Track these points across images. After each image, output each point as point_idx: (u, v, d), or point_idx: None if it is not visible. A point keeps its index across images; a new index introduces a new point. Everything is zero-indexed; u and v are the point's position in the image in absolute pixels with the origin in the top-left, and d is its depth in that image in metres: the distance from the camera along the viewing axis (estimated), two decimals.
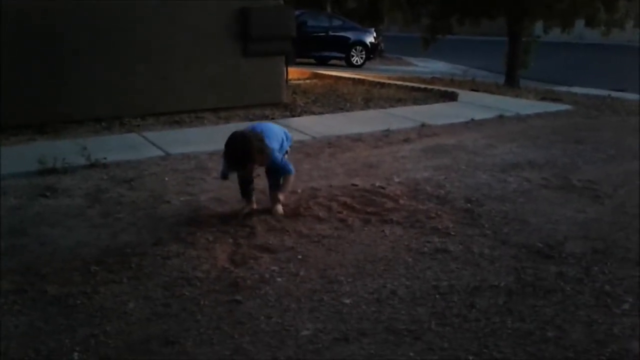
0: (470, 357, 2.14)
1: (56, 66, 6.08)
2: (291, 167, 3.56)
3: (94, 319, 2.38)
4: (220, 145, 3.40)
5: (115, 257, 2.93)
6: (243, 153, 3.21)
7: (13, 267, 2.84)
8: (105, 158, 4.65)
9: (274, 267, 2.85)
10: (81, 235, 3.24)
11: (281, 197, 3.56)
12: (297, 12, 11.45)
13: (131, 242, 3.11)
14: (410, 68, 19.09)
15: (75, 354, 2.14)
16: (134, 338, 2.24)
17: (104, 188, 4.04)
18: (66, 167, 4.46)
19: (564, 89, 11.07)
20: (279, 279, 2.74)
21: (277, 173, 3.55)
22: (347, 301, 2.54)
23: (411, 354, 2.16)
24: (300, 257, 2.98)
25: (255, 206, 3.61)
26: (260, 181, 3.79)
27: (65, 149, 4.93)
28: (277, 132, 3.64)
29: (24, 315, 2.41)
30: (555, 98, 8.90)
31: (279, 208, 3.56)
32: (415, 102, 8.16)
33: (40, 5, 5.92)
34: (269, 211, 3.54)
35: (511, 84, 11.39)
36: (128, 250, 3.00)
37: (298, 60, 13.99)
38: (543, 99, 8.86)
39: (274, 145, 3.46)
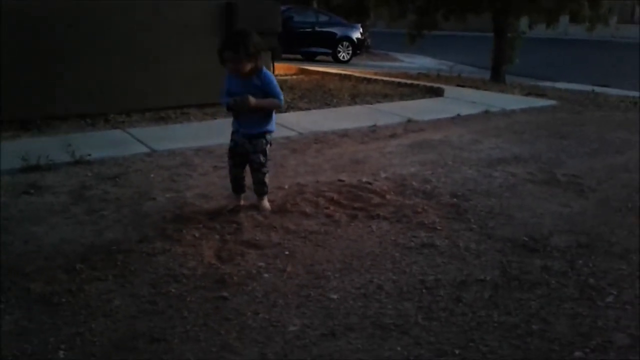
0: (457, 351, 2.15)
1: (39, 62, 5.99)
2: (282, 98, 3.41)
3: (79, 317, 2.35)
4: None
5: (100, 255, 2.90)
6: (241, 34, 3.19)
7: None
8: (89, 155, 4.60)
9: (260, 263, 2.85)
10: (65, 233, 3.20)
11: (264, 202, 3.55)
12: (283, 8, 11.41)
13: (116, 239, 3.08)
14: (397, 64, 19.13)
15: (61, 352, 2.12)
16: (119, 336, 2.22)
17: (89, 185, 4.01)
18: (50, 164, 4.41)
19: (548, 84, 11.17)
20: (266, 275, 2.73)
21: (258, 160, 3.45)
22: (334, 296, 2.54)
23: (398, 348, 2.17)
24: (287, 252, 2.98)
25: (242, 202, 3.58)
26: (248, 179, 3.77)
27: (49, 146, 4.88)
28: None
29: (8, 314, 2.38)
30: (541, 93, 8.98)
31: (266, 203, 3.55)
32: (402, 97, 8.18)
33: (21, 2, 5.83)
34: (256, 207, 3.53)
35: (497, 79, 11.45)
36: (113, 248, 2.97)
37: (285, 56, 13.96)
38: (528, 94, 8.94)
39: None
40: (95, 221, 3.37)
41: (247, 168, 3.55)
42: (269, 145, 3.49)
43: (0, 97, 5.76)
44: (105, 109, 6.32)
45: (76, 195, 3.82)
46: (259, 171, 3.48)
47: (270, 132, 3.46)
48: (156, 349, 2.14)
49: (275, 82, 3.35)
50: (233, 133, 3.49)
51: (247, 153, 3.44)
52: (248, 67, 3.18)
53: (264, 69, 3.30)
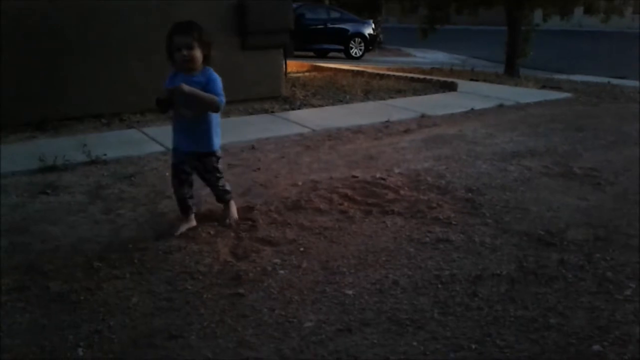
0: (474, 346, 2.15)
1: (54, 63, 6.06)
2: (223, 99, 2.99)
3: (98, 314, 2.38)
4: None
5: (117, 253, 2.93)
6: (193, 22, 2.95)
7: (15, 264, 2.84)
8: (105, 154, 4.65)
9: (276, 260, 2.86)
10: (83, 232, 3.24)
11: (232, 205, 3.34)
12: (295, 5, 11.42)
13: (133, 238, 3.11)
14: (410, 59, 19.04)
15: (80, 349, 2.15)
16: (138, 332, 2.24)
17: (105, 184, 4.05)
18: (66, 164, 4.46)
19: (563, 77, 11.05)
20: (281, 272, 2.74)
21: (214, 177, 3.20)
22: (350, 292, 2.55)
23: (414, 343, 2.17)
24: (302, 249, 2.98)
25: (195, 224, 3.22)
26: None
27: (65, 146, 4.93)
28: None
29: (28, 312, 2.41)
30: (555, 86, 8.89)
31: (233, 210, 3.33)
32: (415, 92, 8.15)
33: (37, 3, 5.90)
34: (222, 217, 3.31)
35: (511, 73, 11.35)
36: (130, 246, 3.00)
37: (297, 53, 13.96)
38: (543, 87, 8.86)
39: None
40: (112, 220, 3.40)
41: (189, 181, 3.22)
42: (219, 160, 3.21)
43: (16, 98, 5.84)
44: (119, 108, 6.37)
45: (93, 194, 3.86)
46: (216, 186, 3.24)
47: (217, 151, 3.16)
48: (174, 346, 2.16)
49: (220, 82, 2.98)
50: (175, 150, 3.14)
51: (194, 171, 3.17)
52: (199, 57, 2.90)
53: (211, 68, 3.00)
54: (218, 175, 3.20)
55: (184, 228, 3.15)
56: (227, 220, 3.25)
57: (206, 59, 2.95)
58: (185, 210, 3.20)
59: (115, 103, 6.37)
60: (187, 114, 2.99)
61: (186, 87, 2.82)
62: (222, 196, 3.28)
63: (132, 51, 6.43)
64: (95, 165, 4.51)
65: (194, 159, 3.11)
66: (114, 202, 3.71)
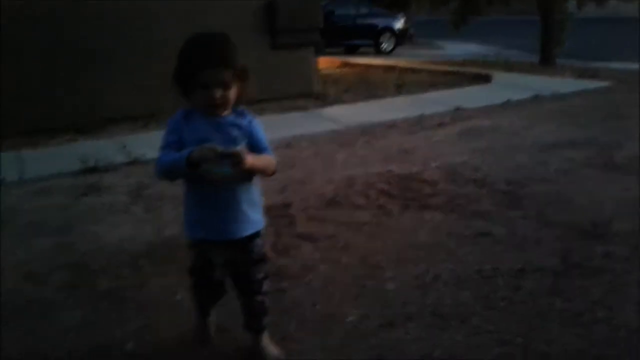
0: (518, 339, 2.12)
1: (91, 68, 6.22)
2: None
3: (144, 311, 2.44)
4: None
5: (161, 251, 3.00)
6: (225, 39, 1.86)
7: (64, 263, 2.93)
8: (144, 155, 4.74)
9: (316, 256, 2.88)
10: (126, 231, 3.32)
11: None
12: (324, 2, 11.41)
13: (175, 236, 3.16)
14: (442, 52, 18.81)
15: (129, 344, 2.21)
16: (184, 328, 2.29)
17: (146, 184, 4.13)
18: (107, 165, 4.57)
19: (601, 65, 10.76)
20: (321, 267, 2.76)
21: (260, 276, 2.02)
22: (391, 287, 2.55)
23: (458, 337, 2.16)
24: (341, 244, 2.99)
25: (212, 333, 2.20)
26: None
27: (105, 148, 5.04)
28: None
29: (78, 309, 2.49)
30: (593, 75, 8.66)
31: (270, 345, 2.10)
32: (448, 85, 8.07)
33: (72, 7, 6.05)
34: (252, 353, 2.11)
35: (546, 62, 11.10)
36: (173, 244, 3.06)
37: (327, 49, 13.95)
38: (580, 76, 8.64)
39: None
40: (154, 219, 3.47)
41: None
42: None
43: (55, 103, 6.01)
44: (155, 110, 6.47)
45: (134, 194, 3.94)
46: (258, 293, 2.04)
47: (262, 223, 2.01)
48: (221, 339, 2.19)
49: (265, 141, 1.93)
50: (199, 243, 1.98)
51: (243, 273, 2.01)
52: (233, 95, 1.84)
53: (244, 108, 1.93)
54: (265, 273, 2.05)
55: (201, 335, 2.19)
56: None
57: (239, 99, 1.87)
58: (207, 312, 2.18)
59: (150, 105, 6.47)
60: (225, 181, 1.82)
61: (249, 157, 1.74)
62: (260, 317, 2.07)
63: (166, 53, 6.52)
64: (135, 166, 4.60)
65: (230, 251, 1.95)
66: (155, 201, 3.78)
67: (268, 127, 1.62)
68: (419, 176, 3.98)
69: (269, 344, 2.09)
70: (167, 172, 1.82)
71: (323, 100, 7.32)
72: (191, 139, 1.78)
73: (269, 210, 3.42)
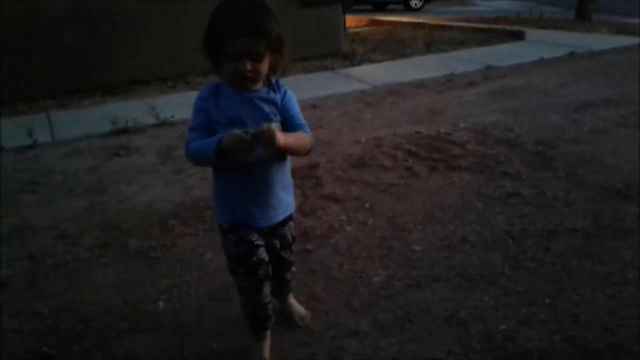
0: (547, 300, 2.11)
1: (120, 30, 6.23)
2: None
3: (175, 270, 2.50)
4: None
5: (190, 211, 3.04)
6: (261, 8, 1.66)
7: (96, 223, 3.00)
8: (173, 116, 4.77)
9: (342, 217, 2.88)
10: (156, 192, 3.37)
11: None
12: None
13: (204, 197, 3.21)
14: (473, 8, 18.27)
15: (160, 302, 2.27)
16: (213, 287, 2.34)
17: (175, 145, 4.17)
18: (137, 126, 4.62)
19: (638, 21, 10.32)
20: (348, 228, 2.77)
21: (291, 253, 2.01)
22: (418, 248, 2.54)
23: (485, 298, 2.15)
24: (367, 205, 2.99)
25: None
26: None
27: (134, 109, 5.09)
28: None
29: (110, 268, 2.56)
30: (630, 31, 8.32)
31: (300, 307, 2.15)
32: (479, 43, 7.86)
33: None
34: (290, 314, 2.12)
35: (582, 18, 10.70)
36: (202, 204, 3.10)
37: (355, 7, 13.68)
38: (617, 32, 8.31)
39: None
40: (183, 180, 3.52)
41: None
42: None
43: (86, 65, 6.06)
44: (184, 71, 6.48)
45: (163, 155, 3.99)
46: (287, 271, 2.05)
47: (294, 206, 1.93)
48: None
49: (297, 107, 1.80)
50: (241, 229, 1.77)
51: (274, 255, 1.90)
52: (265, 70, 1.69)
53: (279, 79, 1.79)
54: (293, 253, 2.03)
55: (266, 351, 1.92)
56: (299, 320, 2.10)
57: (273, 70, 1.73)
58: (264, 324, 1.90)
59: (179, 66, 6.48)
60: (264, 163, 1.73)
61: (280, 135, 1.58)
62: (288, 285, 2.10)
63: (193, 14, 6.49)
64: (164, 127, 4.64)
65: (271, 235, 1.88)
66: (184, 162, 3.80)
67: (294, 87, 1.58)
68: (447, 137, 3.91)
69: (295, 304, 2.13)
70: (197, 159, 1.72)
71: (350, 59, 7.22)
72: (220, 118, 1.67)
73: (295, 172, 3.45)
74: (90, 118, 5.08)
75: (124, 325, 2.14)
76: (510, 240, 2.55)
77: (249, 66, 1.62)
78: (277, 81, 1.76)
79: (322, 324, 2.07)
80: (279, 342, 1.94)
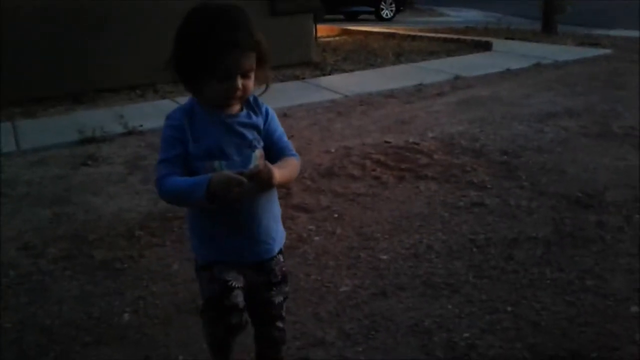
0: (509, 308, 2.16)
1: (88, 36, 6.15)
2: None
3: (141, 281, 2.48)
4: None
5: (157, 222, 3.02)
6: (242, 12, 1.50)
7: (61, 234, 2.96)
8: (141, 125, 4.73)
9: (310, 227, 2.90)
10: (124, 202, 3.34)
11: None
12: None
13: (172, 207, 3.15)
14: (443, 19, 18.55)
15: (126, 315, 2.25)
16: (180, 298, 2.33)
17: (143, 155, 4.13)
18: (105, 135, 4.56)
19: (603, 32, 10.63)
20: (316, 238, 2.79)
21: (282, 298, 1.66)
22: (384, 257, 2.58)
23: (449, 306, 2.19)
24: (336, 215, 3.02)
25: None
26: None
27: (102, 118, 5.03)
28: None
29: (75, 280, 2.52)
30: (594, 43, 8.57)
31: None
32: (449, 53, 7.99)
33: None
34: None
35: (548, 30, 10.95)
36: (169, 215, 3.08)
37: (327, 17, 13.77)
38: (581, 44, 8.55)
39: None
40: (151, 190, 3.48)
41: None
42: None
43: (52, 72, 5.97)
44: (153, 79, 6.43)
45: (131, 165, 3.95)
46: (278, 318, 1.69)
47: (284, 237, 1.67)
48: None
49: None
50: (219, 267, 1.51)
51: (259, 299, 1.62)
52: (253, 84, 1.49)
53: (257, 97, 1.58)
54: (285, 294, 1.68)
55: None
56: None
57: (265, 77, 1.55)
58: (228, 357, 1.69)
59: (148, 74, 6.41)
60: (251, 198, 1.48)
61: (276, 172, 1.38)
62: (279, 347, 1.75)
63: (164, 21, 6.45)
64: (133, 136, 4.60)
65: (254, 273, 1.58)
66: (153, 172, 3.78)
67: (265, 97, 1.59)
68: (415, 146, 3.97)
69: None
70: (176, 200, 1.48)
71: (321, 69, 7.26)
72: (199, 151, 1.44)
73: None
74: (57, 126, 5.01)
75: (88, 338, 2.11)
76: (474, 249, 2.60)
77: (239, 84, 1.41)
78: (255, 99, 1.55)
79: (289, 334, 2.06)
80: (244, 352, 1.94)
